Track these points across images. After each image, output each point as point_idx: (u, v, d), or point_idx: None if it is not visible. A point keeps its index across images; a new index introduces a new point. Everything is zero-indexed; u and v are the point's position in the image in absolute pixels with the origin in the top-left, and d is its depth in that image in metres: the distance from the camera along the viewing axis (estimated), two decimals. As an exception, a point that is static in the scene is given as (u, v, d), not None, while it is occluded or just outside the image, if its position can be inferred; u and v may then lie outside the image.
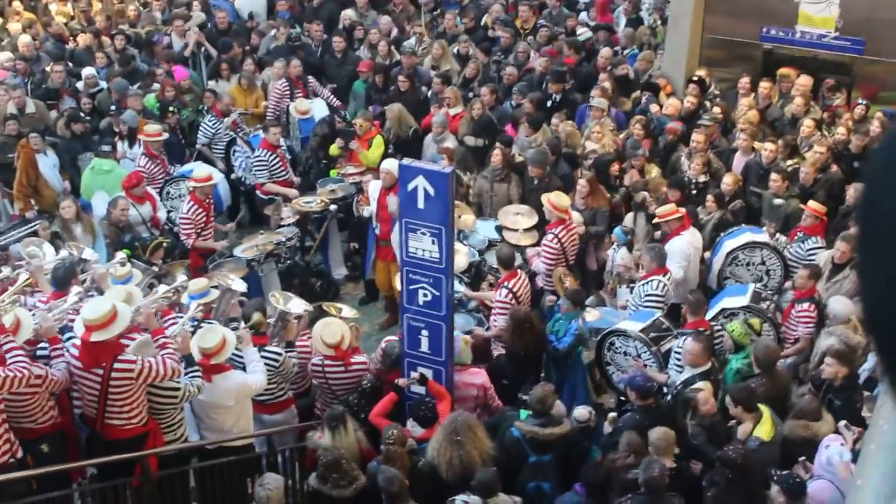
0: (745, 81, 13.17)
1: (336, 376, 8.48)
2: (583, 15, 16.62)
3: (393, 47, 15.21)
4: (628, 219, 11.14)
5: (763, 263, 10.07)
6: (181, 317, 8.26)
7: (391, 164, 10.58)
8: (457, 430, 7.29)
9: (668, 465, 7.13)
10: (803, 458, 7.10)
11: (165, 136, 12.36)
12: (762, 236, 10.17)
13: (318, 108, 13.92)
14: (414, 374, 8.26)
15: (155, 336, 7.57)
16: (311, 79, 14.29)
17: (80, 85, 14.07)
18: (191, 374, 7.61)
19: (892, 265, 1.35)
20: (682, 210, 10.25)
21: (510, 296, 9.44)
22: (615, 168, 11.68)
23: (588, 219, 10.97)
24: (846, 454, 6.84)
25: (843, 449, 6.91)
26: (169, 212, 11.92)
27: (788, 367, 9.14)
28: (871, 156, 1.47)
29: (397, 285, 10.68)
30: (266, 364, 8.19)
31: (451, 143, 12.56)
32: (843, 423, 7.28)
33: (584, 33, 15.50)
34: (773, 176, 10.78)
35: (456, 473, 7.18)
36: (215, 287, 9.07)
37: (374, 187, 11.16)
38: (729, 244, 10.17)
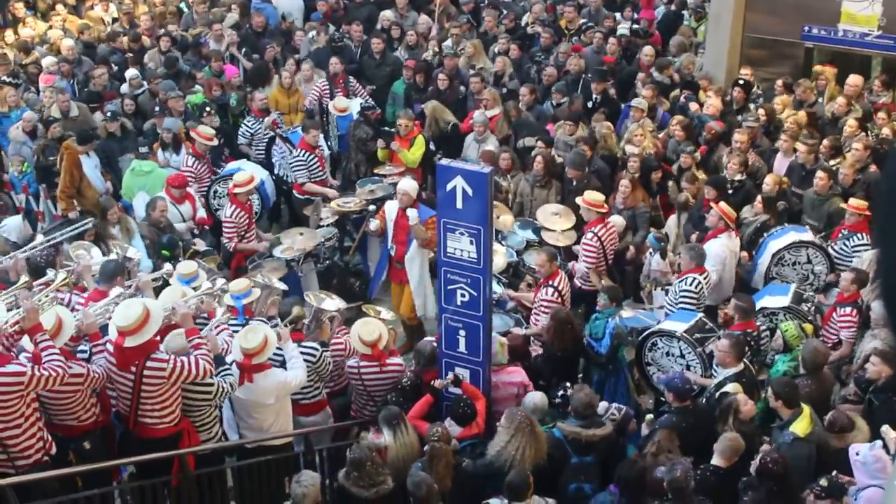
0: (779, 83, 13.04)
1: (371, 377, 8.51)
2: (617, 15, 16.50)
3: (435, 45, 15.24)
4: (672, 221, 11.05)
5: (809, 262, 10.00)
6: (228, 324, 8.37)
7: (409, 185, 10.50)
8: (532, 425, 7.33)
9: (723, 465, 7.11)
10: (835, 472, 6.99)
11: (216, 142, 12.48)
12: (807, 235, 10.10)
13: (356, 107, 13.95)
14: (449, 376, 8.26)
15: (189, 336, 7.58)
16: (351, 79, 14.35)
17: (124, 88, 14.22)
18: (222, 373, 7.65)
19: None
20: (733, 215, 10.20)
21: (556, 294, 9.42)
22: (657, 175, 11.60)
23: (628, 219, 10.91)
24: (876, 444, 6.80)
25: (867, 444, 6.86)
26: (216, 210, 12.05)
27: (831, 369, 9.04)
28: (893, 150, 1.49)
29: (410, 310, 10.59)
30: (304, 360, 8.24)
31: (492, 143, 12.54)
32: (885, 427, 7.18)
33: (620, 30, 15.40)
34: (819, 174, 10.66)
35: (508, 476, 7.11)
36: (256, 287, 9.10)
37: (390, 207, 10.74)
38: (774, 245, 10.10)
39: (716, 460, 7.19)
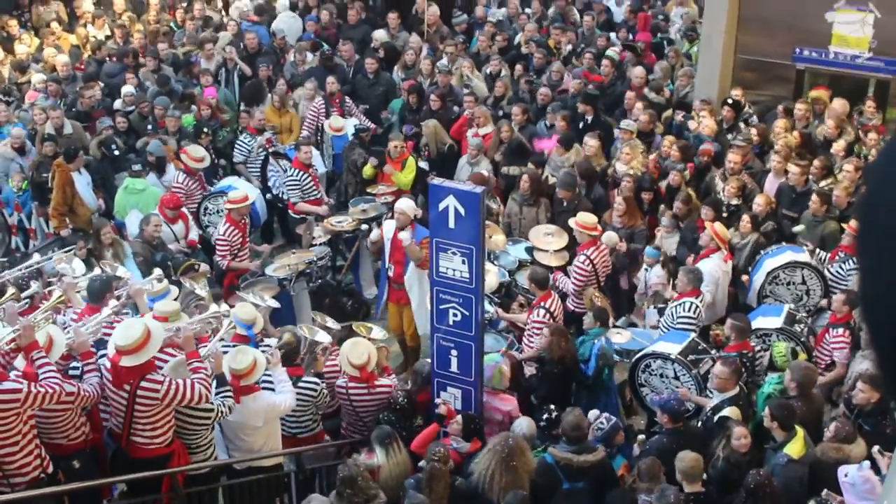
0: (780, 108, 13.08)
1: (360, 398, 8.48)
2: (612, 35, 16.56)
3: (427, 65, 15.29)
4: (670, 242, 11.05)
5: (804, 283, 10.02)
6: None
7: (406, 205, 10.50)
8: (511, 455, 7.25)
9: (696, 490, 7.07)
10: (826, 490, 6.98)
11: (206, 163, 12.45)
12: (803, 255, 10.12)
13: (351, 127, 13.97)
14: (438, 401, 8.28)
15: (189, 359, 7.53)
16: (347, 99, 14.39)
17: (118, 103, 14.19)
18: (222, 395, 7.63)
19: (890, 267, 1.38)
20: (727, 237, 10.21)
21: (547, 316, 9.42)
22: (648, 196, 11.64)
23: (625, 237, 10.91)
24: (864, 465, 6.79)
25: (856, 465, 6.85)
26: (206, 227, 12.03)
27: (822, 390, 9.05)
28: (874, 163, 1.49)
29: (414, 329, 10.55)
30: (305, 395, 8.23)
31: (485, 166, 12.54)
32: (876, 448, 7.19)
33: (610, 51, 15.47)
34: (814, 198, 10.68)
35: (505, 496, 7.07)
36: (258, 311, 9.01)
37: (388, 226, 10.74)
38: (770, 263, 10.12)
39: (686, 487, 7.10)
